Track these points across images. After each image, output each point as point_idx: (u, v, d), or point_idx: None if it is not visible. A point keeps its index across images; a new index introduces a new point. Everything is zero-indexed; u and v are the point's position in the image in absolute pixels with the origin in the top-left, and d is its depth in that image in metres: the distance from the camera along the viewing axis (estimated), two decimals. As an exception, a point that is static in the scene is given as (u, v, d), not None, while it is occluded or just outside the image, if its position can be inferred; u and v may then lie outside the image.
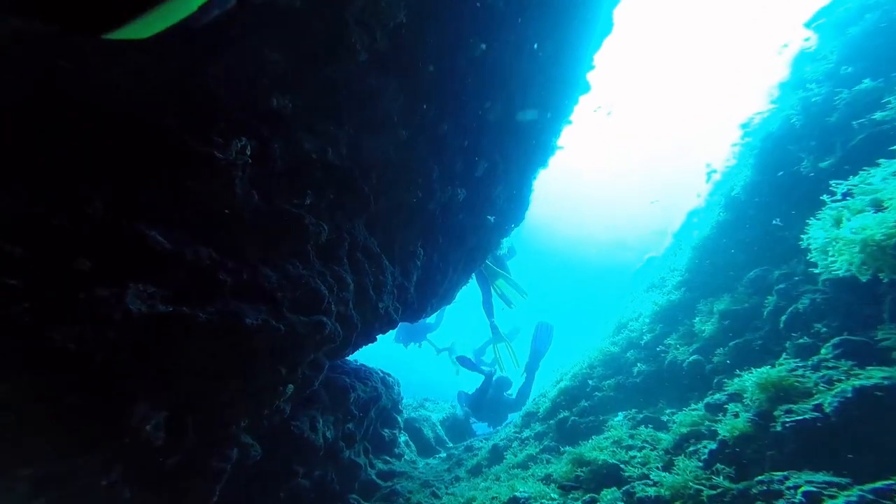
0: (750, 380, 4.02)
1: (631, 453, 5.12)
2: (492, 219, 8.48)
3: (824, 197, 4.34)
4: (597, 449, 5.57)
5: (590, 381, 7.21)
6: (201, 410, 3.65)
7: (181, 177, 3.15)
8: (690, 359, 5.84)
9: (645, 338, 7.04)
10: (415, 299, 7.41)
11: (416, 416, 11.20)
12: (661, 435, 5.15)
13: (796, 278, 5.01)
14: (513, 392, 13.71)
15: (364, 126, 5.31)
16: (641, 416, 5.91)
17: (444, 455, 10.17)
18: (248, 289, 3.65)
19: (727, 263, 6.48)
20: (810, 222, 4.33)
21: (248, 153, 3.60)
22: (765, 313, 5.22)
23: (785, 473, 3.11)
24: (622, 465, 4.93)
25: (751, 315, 5.47)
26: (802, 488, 2.87)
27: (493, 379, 13.50)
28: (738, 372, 4.67)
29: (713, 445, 3.99)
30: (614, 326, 7.92)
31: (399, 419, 9.60)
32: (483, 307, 10.52)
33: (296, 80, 4.31)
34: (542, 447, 7.05)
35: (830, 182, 4.37)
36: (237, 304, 3.47)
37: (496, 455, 7.94)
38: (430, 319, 16.02)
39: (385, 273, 5.76)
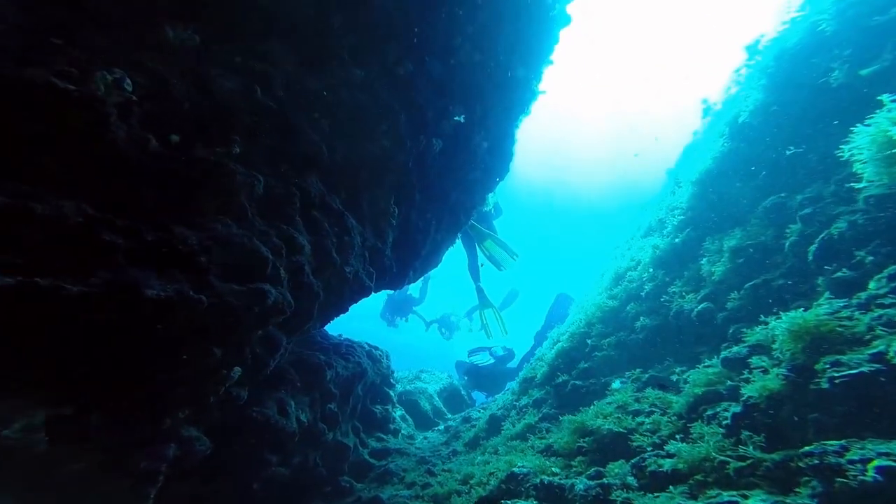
0: (780, 327, 3.25)
1: (638, 419, 4.41)
2: (475, 173, 7.63)
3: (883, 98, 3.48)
4: (600, 416, 4.87)
5: (588, 341, 6.48)
6: (111, 406, 2.90)
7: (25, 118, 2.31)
8: (699, 307, 5.08)
9: (646, 288, 6.27)
10: (393, 263, 6.62)
11: (412, 388, 10.56)
12: (672, 397, 4.43)
13: (827, 201, 4.19)
14: (515, 362, 13.12)
15: (306, 64, 4.43)
16: (647, 376, 5.19)
17: (441, 427, 9.56)
18: (155, 253, 2.85)
19: (735, 196, 5.66)
20: (856, 129, 3.49)
21: (131, 90, 2.76)
22: (786, 245, 4.43)
23: (842, 443, 2.37)
24: (629, 434, 4.22)
25: (769, 250, 4.68)
26: (874, 462, 2.13)
27: (499, 356, 12.90)
28: (759, 319, 3.91)
29: (737, 408, 3.25)
30: (611, 278, 7.15)
31: (392, 393, 8.95)
32: (469, 270, 9.73)
33: (205, 8, 3.44)
34: (540, 415, 6.37)
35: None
36: (136, 271, 2.67)
37: (494, 426, 7.29)
38: (414, 292, 15.18)
39: (351, 233, 4.95)
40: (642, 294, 6.30)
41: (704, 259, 5.37)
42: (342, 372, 6.36)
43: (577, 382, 6.18)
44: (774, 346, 3.30)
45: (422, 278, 14.90)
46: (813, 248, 4.00)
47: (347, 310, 5.57)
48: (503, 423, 7.02)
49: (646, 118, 32.10)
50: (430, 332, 15.38)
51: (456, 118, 6.60)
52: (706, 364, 4.17)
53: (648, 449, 3.83)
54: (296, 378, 5.27)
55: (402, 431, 9.45)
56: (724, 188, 5.94)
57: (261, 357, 4.01)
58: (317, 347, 6.57)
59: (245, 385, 4.13)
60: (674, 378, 4.69)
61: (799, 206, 4.47)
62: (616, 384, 5.50)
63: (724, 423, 3.29)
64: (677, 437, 3.61)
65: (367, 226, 5.63)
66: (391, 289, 7.56)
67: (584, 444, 4.68)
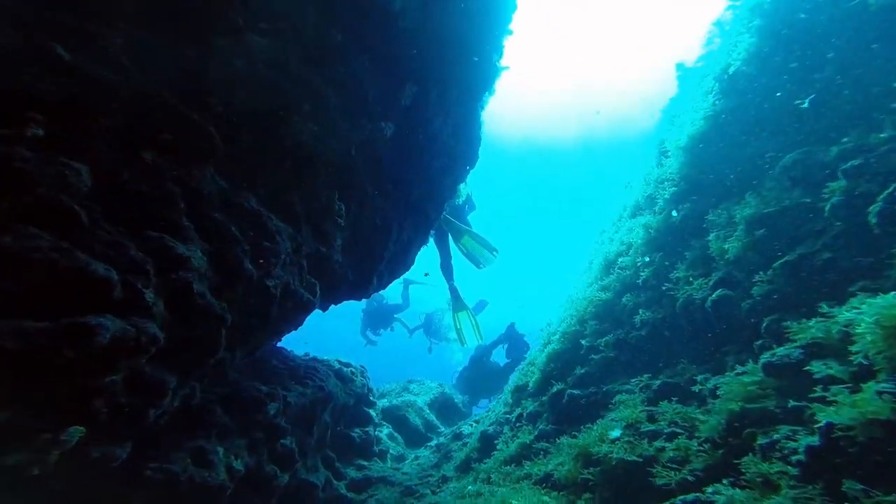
0: (862, 320, 2.09)
1: (657, 444, 3.25)
2: (439, 160, 6.46)
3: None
4: (605, 439, 3.71)
5: (582, 341, 5.32)
6: None
7: None
8: (714, 295, 3.93)
9: (642, 274, 5.10)
10: (347, 270, 5.44)
11: (399, 402, 9.36)
12: (696, 413, 3.27)
13: (882, 148, 3.05)
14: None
15: (182, 32, 3.25)
16: (658, 382, 4.04)
17: (434, 444, 8.37)
18: None
19: (739, 158, 4.53)
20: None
21: None
22: (826, 208, 3.28)
23: None
24: (648, 466, 3.06)
25: (799, 216, 3.54)
26: None
27: (483, 351, 11.70)
28: (809, 307, 2.76)
29: (812, 439, 2.09)
30: (600, 266, 5.98)
31: (373, 413, 7.75)
32: (441, 269, 8.52)
33: None
34: (536, 432, 5.20)
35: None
36: None
37: (487, 444, 6.12)
38: (392, 297, 13.57)
39: (275, 238, 3.76)
40: (639, 282, 5.14)
41: (712, 235, 4.23)
42: (297, 401, 5.17)
43: (574, 392, 5.02)
44: (854, 348, 2.14)
45: (404, 283, 13.55)
46: (876, 207, 2.85)
47: (283, 331, 4.38)
48: (496, 442, 5.85)
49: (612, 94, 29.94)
50: (418, 337, 13.94)
51: (408, 99, 5.44)
52: (739, 371, 3.01)
53: (680, 492, 2.66)
54: (224, 418, 4.06)
55: (391, 452, 8.27)
56: (722, 151, 4.81)
57: (136, 407, 2.81)
58: (267, 374, 5.37)
59: (120, 441, 2.92)
60: (695, 388, 3.52)
61: (838, 158, 3.33)
62: (629, 386, 4.34)
63: (795, 458, 2.13)
64: (722, 478, 2.44)
65: (304, 228, 4.45)
66: (353, 299, 6.38)
67: (590, 476, 3.53)
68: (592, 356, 5.08)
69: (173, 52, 3.23)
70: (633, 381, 4.34)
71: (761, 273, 3.51)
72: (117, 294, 2.38)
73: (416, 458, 7.91)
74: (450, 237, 8.69)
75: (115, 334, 2.26)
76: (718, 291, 3.85)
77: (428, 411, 9.46)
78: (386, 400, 9.59)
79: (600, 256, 6.06)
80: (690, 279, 4.25)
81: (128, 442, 2.99)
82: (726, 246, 3.98)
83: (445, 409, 10.14)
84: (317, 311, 6.83)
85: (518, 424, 5.81)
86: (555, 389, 5.33)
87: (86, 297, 2.27)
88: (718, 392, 3.00)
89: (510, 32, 6.71)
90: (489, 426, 6.36)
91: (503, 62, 7.02)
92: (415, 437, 8.87)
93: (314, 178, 4.47)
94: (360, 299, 6.49)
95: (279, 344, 7.79)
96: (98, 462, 2.82)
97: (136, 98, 2.88)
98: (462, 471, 6.11)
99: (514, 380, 6.87)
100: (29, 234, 2.14)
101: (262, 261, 3.63)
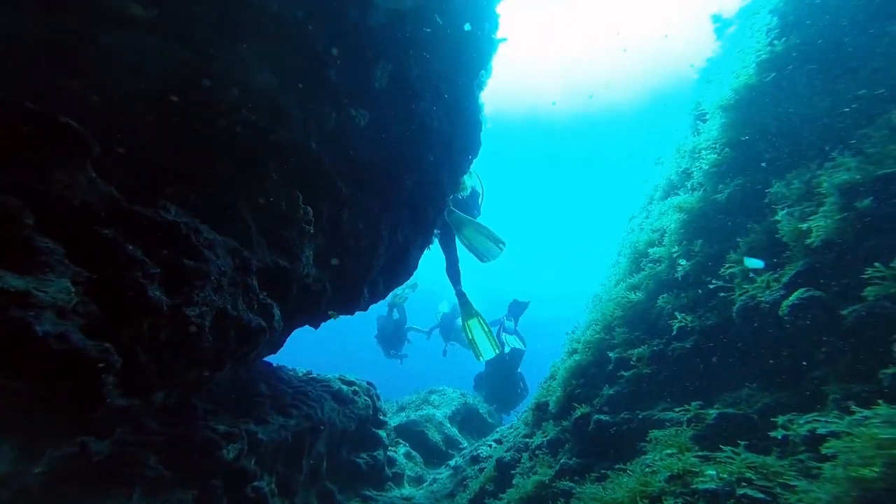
0: None
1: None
2: (433, 150, 5.44)
3: None
4: (644, 497, 2.62)
5: (610, 353, 4.18)
6: None
7: None
8: (793, 298, 2.73)
9: (680, 267, 3.91)
10: (326, 285, 4.49)
11: (417, 417, 8.40)
12: (783, 468, 2.12)
13: None
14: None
15: None
16: (714, 413, 2.89)
17: (453, 463, 7.36)
18: None
19: (810, 112, 3.30)
20: None
21: None
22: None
23: None
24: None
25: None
26: None
27: (505, 354, 10.55)
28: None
29: None
30: (629, 260, 4.78)
31: (383, 434, 6.80)
32: (446, 272, 7.43)
33: None
34: (558, 467, 4.11)
35: None
36: None
37: (503, 474, 5.09)
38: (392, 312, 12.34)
39: (201, 254, 2.85)
40: (676, 277, 3.95)
41: (782, 212, 3.02)
42: (274, 436, 4.27)
43: (602, 418, 3.90)
44: None
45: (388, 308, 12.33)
46: None
47: (235, 364, 3.45)
48: (513, 472, 4.79)
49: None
50: (437, 340, 12.74)
51: (382, 80, 4.45)
52: (862, 415, 1.85)
53: None
54: (156, 470, 3.17)
55: (407, 473, 7.32)
56: (783, 104, 3.58)
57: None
58: (246, 405, 4.50)
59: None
60: (777, 435, 2.35)
61: None
62: (673, 417, 3.24)
63: None
64: None
65: (255, 239, 3.52)
66: (345, 314, 5.43)
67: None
68: (622, 372, 3.94)
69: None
70: (677, 409, 3.18)
71: (878, 265, 2.31)
72: None
73: (434, 480, 6.93)
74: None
75: None
76: (799, 292, 2.66)
77: (448, 425, 8.45)
78: (405, 414, 8.64)
79: (628, 248, 4.87)
80: (751, 275, 3.06)
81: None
82: (806, 226, 2.78)
83: (469, 421, 9.11)
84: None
85: (538, 453, 4.72)
86: (578, 413, 4.23)
87: None
88: (827, 445, 1.86)
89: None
90: (506, 452, 5.29)
91: (500, 34, 5.94)
92: (435, 454, 7.89)
93: (263, 178, 3.54)
94: (352, 313, 5.54)
95: (284, 360, 6.99)
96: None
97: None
98: (477, 506, 5.09)
99: (535, 395, 5.77)
100: None
101: (182, 285, 2.72)
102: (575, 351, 4.87)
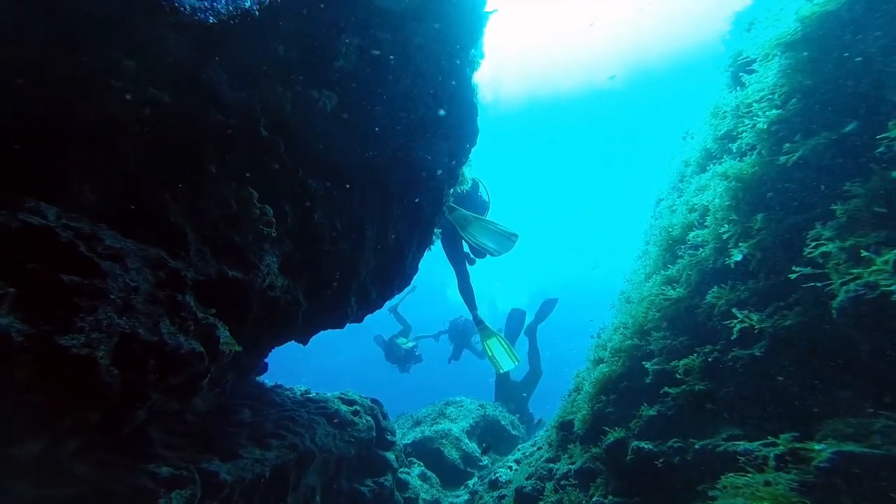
0: None
1: None
2: (419, 133, 4.62)
3: None
4: None
5: (646, 364, 3.26)
6: None
7: None
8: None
9: (735, 251, 2.92)
10: (299, 296, 3.71)
11: (431, 433, 7.56)
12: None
13: None
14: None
15: None
16: (827, 451, 1.96)
17: (472, 484, 6.50)
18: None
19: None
20: None
21: None
22: None
23: None
24: None
25: None
26: None
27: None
28: None
29: None
30: (660, 248, 3.80)
31: (391, 456, 5.99)
32: (460, 292, 6.58)
33: None
34: (589, 508, 3.22)
35: None
36: None
37: (523, 507, 4.19)
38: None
39: (96, 268, 2.11)
40: (728, 265, 3.01)
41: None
42: (240, 475, 3.49)
43: (644, 446, 3.01)
44: None
45: (392, 313, 11.50)
46: None
47: (167, 401, 2.69)
48: (536, 508, 3.90)
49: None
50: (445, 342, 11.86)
51: (350, 57, 3.67)
52: None
53: None
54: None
55: (422, 496, 6.49)
56: (875, 31, 2.62)
57: None
58: (219, 434, 3.76)
59: None
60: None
61: None
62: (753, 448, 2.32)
63: None
64: None
65: (192, 245, 2.77)
66: (329, 328, 4.66)
67: None
68: (667, 388, 3.03)
69: None
70: (754, 441, 2.27)
71: None
72: None
73: (451, 506, 6.08)
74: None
75: None
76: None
77: (466, 440, 7.58)
78: (419, 430, 7.81)
79: (660, 233, 3.93)
80: (866, 253, 2.11)
81: None
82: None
83: (489, 434, 8.21)
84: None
85: (563, 484, 3.83)
86: (612, 439, 3.33)
87: None
88: None
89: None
90: (527, 480, 4.41)
91: (489, 7, 5.09)
92: (451, 475, 7.03)
93: (196, 172, 2.79)
94: (342, 327, 4.76)
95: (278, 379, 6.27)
96: None
97: None
98: (494, 549, 4.22)
99: (558, 412, 4.86)
100: None
101: (58, 309, 1.98)
102: (601, 360, 3.97)
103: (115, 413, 2.34)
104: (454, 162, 5.26)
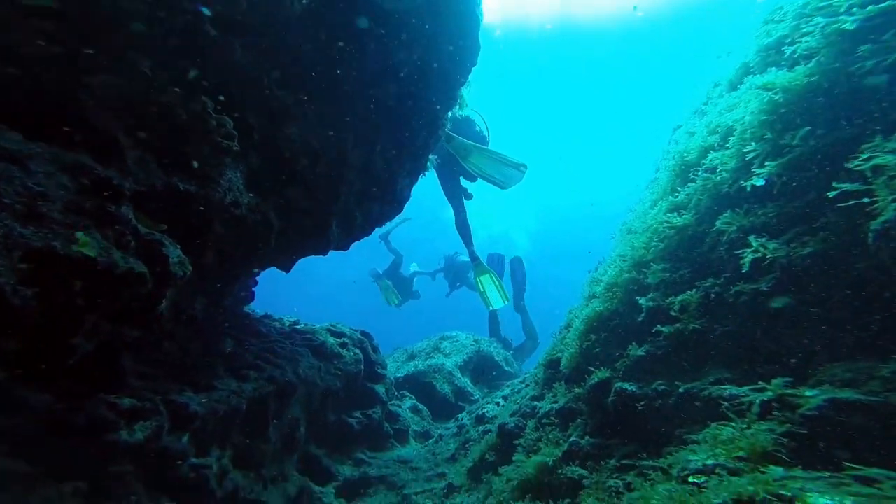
0: None
1: None
2: (411, 50, 4.08)
3: None
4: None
5: (640, 300, 2.95)
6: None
7: None
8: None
9: (761, 171, 2.44)
10: (270, 216, 3.40)
11: (425, 367, 7.56)
12: None
13: None
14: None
15: None
16: (819, 398, 1.68)
17: (462, 418, 6.53)
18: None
19: None
20: None
21: None
22: None
23: None
24: None
25: None
26: None
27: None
28: None
29: None
30: (672, 173, 3.34)
31: (380, 389, 5.98)
32: (456, 228, 6.24)
33: None
34: (567, 447, 3.10)
35: None
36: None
37: (505, 443, 4.14)
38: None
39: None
40: (745, 188, 2.58)
41: None
42: (213, 407, 3.40)
43: (627, 387, 2.78)
44: None
45: (383, 241, 11.16)
46: None
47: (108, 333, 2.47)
48: (516, 444, 3.81)
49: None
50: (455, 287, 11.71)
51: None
52: None
53: None
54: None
55: (413, 428, 6.56)
56: None
57: None
58: (200, 367, 3.65)
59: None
60: None
61: None
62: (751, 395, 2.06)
63: None
64: None
65: (129, 155, 2.45)
66: (309, 254, 4.40)
67: None
68: (659, 327, 2.74)
69: None
70: (743, 386, 2.00)
71: None
72: None
73: (440, 437, 6.13)
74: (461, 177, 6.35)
75: None
76: None
77: (459, 375, 7.58)
78: (412, 364, 7.82)
79: (673, 159, 3.45)
80: None
81: None
82: None
83: (483, 370, 8.21)
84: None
85: (545, 422, 3.70)
86: (596, 379, 3.11)
87: None
88: None
89: None
90: (510, 417, 4.31)
91: None
92: (443, 408, 7.08)
93: (122, 72, 2.39)
94: (324, 253, 4.50)
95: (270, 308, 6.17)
96: None
97: None
98: (473, 479, 4.19)
99: (548, 349, 4.67)
100: None
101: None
102: (594, 296, 3.68)
103: (43, 341, 2.12)
104: (448, 80, 4.72)
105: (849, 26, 2.29)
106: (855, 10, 2.29)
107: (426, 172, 5.53)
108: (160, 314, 2.77)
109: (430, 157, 5.53)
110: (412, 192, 5.39)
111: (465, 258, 10.80)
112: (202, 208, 2.81)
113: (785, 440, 1.70)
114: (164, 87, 2.56)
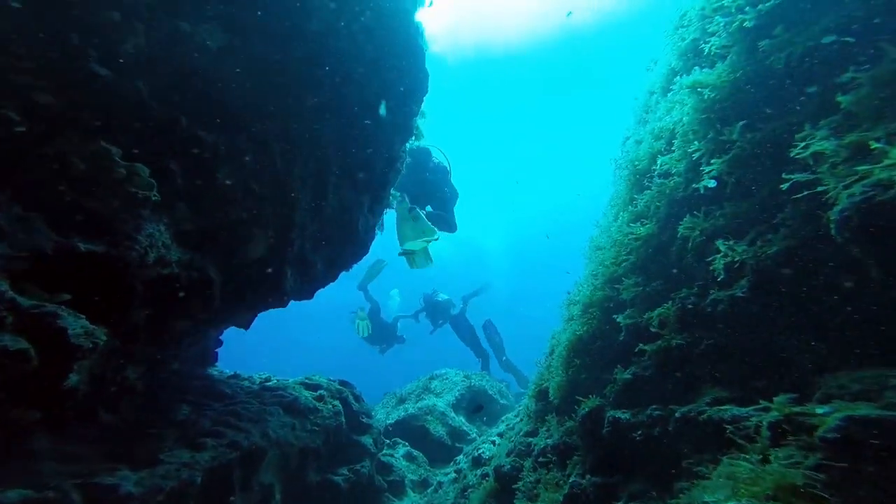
0: None
1: None
2: (358, 86, 3.92)
3: None
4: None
5: (617, 318, 2.69)
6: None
7: None
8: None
9: (709, 168, 2.21)
10: (208, 272, 3.11)
11: (415, 410, 7.12)
12: None
13: None
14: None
15: None
16: (836, 416, 1.39)
17: (460, 460, 6.07)
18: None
19: None
20: None
21: None
22: None
23: None
24: None
25: None
26: None
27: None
28: None
29: None
30: (628, 184, 2.89)
31: (367, 441, 5.54)
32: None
33: None
34: (567, 489, 2.75)
35: None
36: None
37: (504, 486, 3.77)
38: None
39: None
40: (698, 190, 2.36)
41: None
42: (155, 484, 2.99)
43: (620, 416, 2.49)
44: None
45: (361, 290, 10.90)
46: None
47: None
48: (515, 487, 3.43)
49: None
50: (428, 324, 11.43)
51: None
52: None
53: None
54: None
55: (409, 477, 6.09)
56: None
57: None
58: (142, 437, 3.24)
59: None
60: None
61: None
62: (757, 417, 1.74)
63: None
64: None
65: (5, 212, 2.16)
66: (267, 308, 4.08)
67: None
68: (642, 345, 2.46)
69: None
70: (746, 408, 1.71)
71: None
72: None
73: (439, 485, 5.67)
74: None
75: None
76: None
77: (453, 414, 7.14)
78: (403, 408, 7.37)
79: (626, 169, 3.26)
80: (872, 145, 1.49)
81: None
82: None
83: (477, 405, 7.75)
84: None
85: (542, 460, 3.34)
86: (586, 409, 2.80)
87: None
88: None
89: None
90: (507, 457, 3.93)
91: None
92: (438, 452, 6.62)
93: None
94: (283, 305, 4.19)
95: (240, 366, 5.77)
96: None
97: None
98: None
99: (535, 378, 4.34)
100: None
101: None
102: (572, 318, 3.40)
103: None
104: (401, 109, 4.57)
105: (735, 23, 2.16)
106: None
107: (389, 210, 5.31)
108: (73, 389, 2.42)
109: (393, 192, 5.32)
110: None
111: (444, 296, 10.76)
112: (117, 271, 2.51)
113: (814, 472, 1.40)
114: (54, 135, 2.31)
